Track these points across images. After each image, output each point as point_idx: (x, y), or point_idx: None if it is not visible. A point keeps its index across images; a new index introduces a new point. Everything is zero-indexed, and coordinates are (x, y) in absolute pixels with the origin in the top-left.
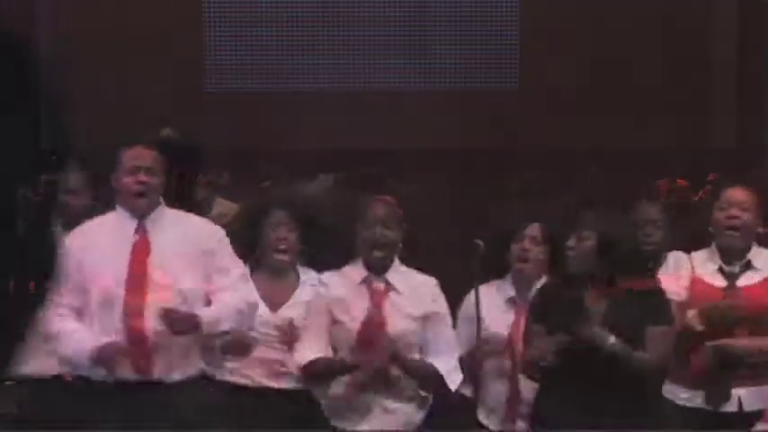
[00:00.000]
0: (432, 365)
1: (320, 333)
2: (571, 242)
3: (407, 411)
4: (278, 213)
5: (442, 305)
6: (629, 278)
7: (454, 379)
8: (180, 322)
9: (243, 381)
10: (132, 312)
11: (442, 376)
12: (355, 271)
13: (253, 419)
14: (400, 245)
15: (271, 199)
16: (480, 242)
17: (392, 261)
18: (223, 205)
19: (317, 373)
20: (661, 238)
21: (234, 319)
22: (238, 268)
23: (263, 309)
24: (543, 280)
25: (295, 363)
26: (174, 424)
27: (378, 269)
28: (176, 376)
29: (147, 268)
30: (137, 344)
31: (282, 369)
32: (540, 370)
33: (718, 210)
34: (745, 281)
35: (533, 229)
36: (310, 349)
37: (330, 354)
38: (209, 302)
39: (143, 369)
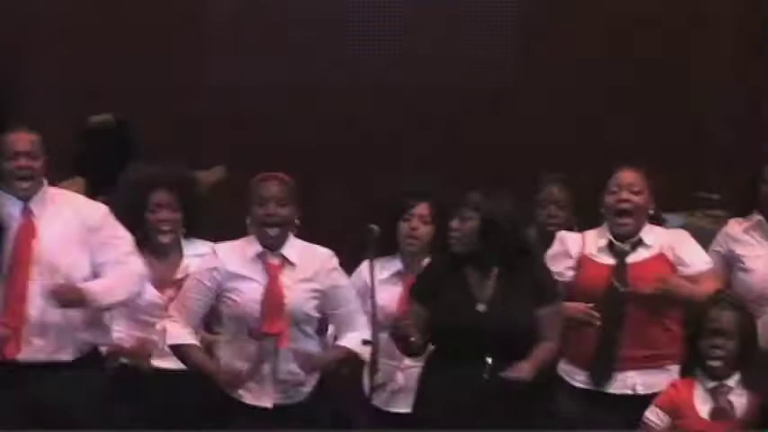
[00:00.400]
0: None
1: (194, 309)
2: (455, 223)
3: (302, 381)
4: (160, 194)
5: (341, 278)
6: (513, 259)
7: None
8: (66, 295)
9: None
10: (18, 295)
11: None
12: (249, 245)
13: (145, 399)
14: (297, 221)
15: (154, 179)
16: (375, 226)
17: (287, 237)
18: None
19: (181, 358)
20: (564, 219)
21: (122, 291)
22: (124, 241)
23: (151, 291)
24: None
25: (164, 337)
26: (69, 399)
27: (272, 245)
28: (64, 357)
29: (33, 249)
30: (22, 325)
31: None
32: (414, 349)
33: (608, 193)
34: (634, 258)
35: (422, 208)
36: (183, 328)
37: (198, 331)
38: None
39: (27, 350)
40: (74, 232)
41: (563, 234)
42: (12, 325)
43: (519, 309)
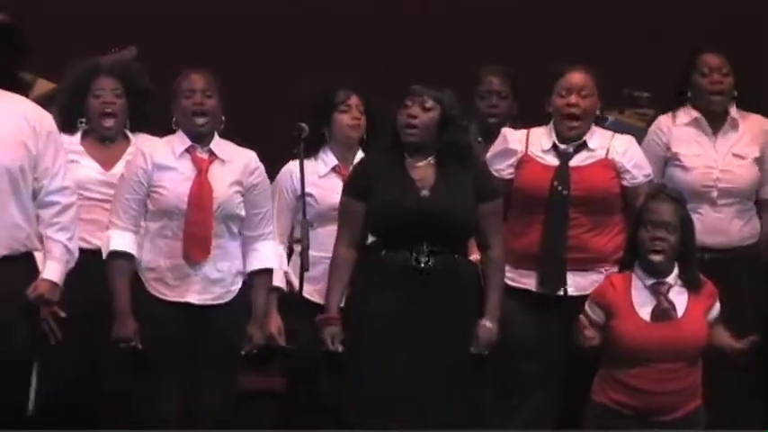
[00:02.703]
0: None
1: (129, 209)
2: (414, 110)
3: (228, 280)
4: (103, 80)
5: (263, 179)
6: (461, 152)
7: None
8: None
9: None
10: None
11: None
12: (177, 140)
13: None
14: (222, 117)
15: (96, 66)
16: (304, 125)
17: (214, 133)
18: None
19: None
20: (506, 109)
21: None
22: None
23: (95, 168)
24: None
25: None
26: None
27: (200, 140)
28: (2, 251)
29: None
30: None
31: None
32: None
33: (557, 95)
34: (577, 161)
35: (355, 99)
36: (122, 231)
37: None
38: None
39: None
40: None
41: (507, 131)
42: None
43: (462, 196)
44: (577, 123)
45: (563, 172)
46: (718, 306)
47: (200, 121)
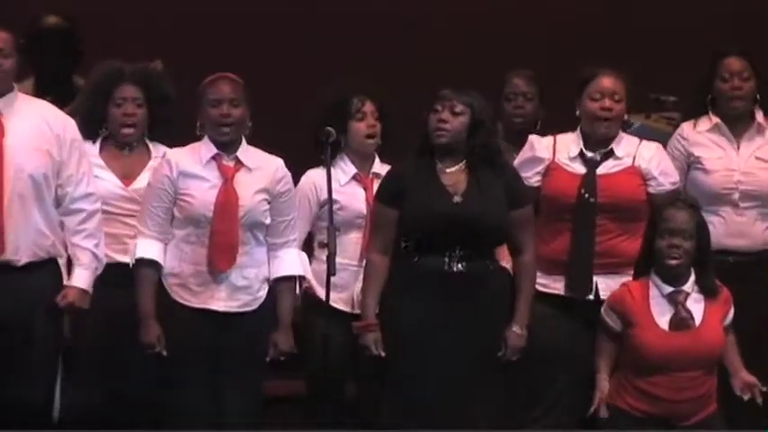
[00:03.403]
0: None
1: (156, 218)
2: (444, 115)
3: (255, 287)
4: (125, 88)
5: (289, 187)
6: (492, 157)
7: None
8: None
9: None
10: None
11: None
12: (203, 148)
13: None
14: (249, 123)
15: (120, 72)
16: (331, 129)
17: (241, 140)
18: None
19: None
20: (531, 111)
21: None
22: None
23: (115, 183)
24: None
25: (131, 250)
26: (23, 304)
27: (227, 148)
28: (26, 259)
29: (3, 148)
30: None
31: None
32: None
33: (588, 99)
34: (604, 169)
35: (370, 106)
36: (148, 239)
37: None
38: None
39: None
40: (41, 139)
41: (534, 138)
42: None
43: (494, 202)
44: (607, 124)
45: (590, 180)
46: (732, 312)
47: (226, 131)
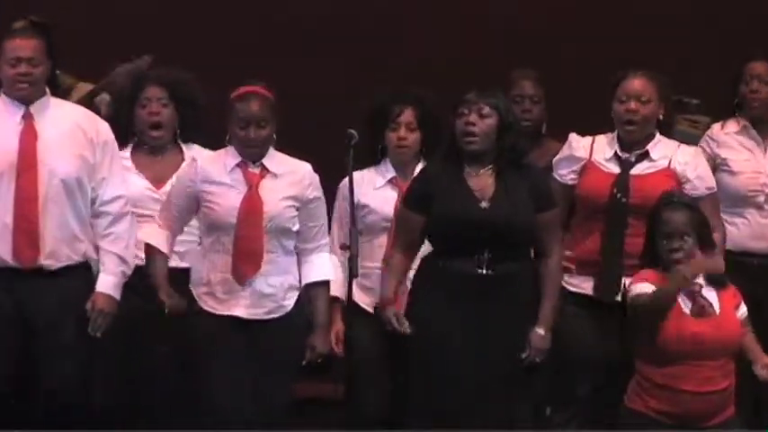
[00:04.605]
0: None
1: (174, 213)
2: (471, 118)
3: (280, 295)
4: (150, 89)
5: (317, 193)
6: (518, 159)
7: (331, 268)
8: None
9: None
10: (24, 197)
11: None
12: (229, 156)
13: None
14: (274, 137)
15: (145, 74)
16: (353, 131)
17: (267, 150)
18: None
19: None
20: (539, 114)
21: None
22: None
23: (145, 185)
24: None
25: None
26: (58, 308)
27: (253, 160)
28: (60, 263)
29: (36, 153)
30: (25, 228)
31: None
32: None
33: (617, 102)
34: (638, 170)
35: (407, 115)
36: (160, 230)
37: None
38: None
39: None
40: (73, 143)
41: (573, 137)
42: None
43: (521, 206)
44: (633, 128)
45: (623, 180)
46: (744, 306)
47: (252, 152)
